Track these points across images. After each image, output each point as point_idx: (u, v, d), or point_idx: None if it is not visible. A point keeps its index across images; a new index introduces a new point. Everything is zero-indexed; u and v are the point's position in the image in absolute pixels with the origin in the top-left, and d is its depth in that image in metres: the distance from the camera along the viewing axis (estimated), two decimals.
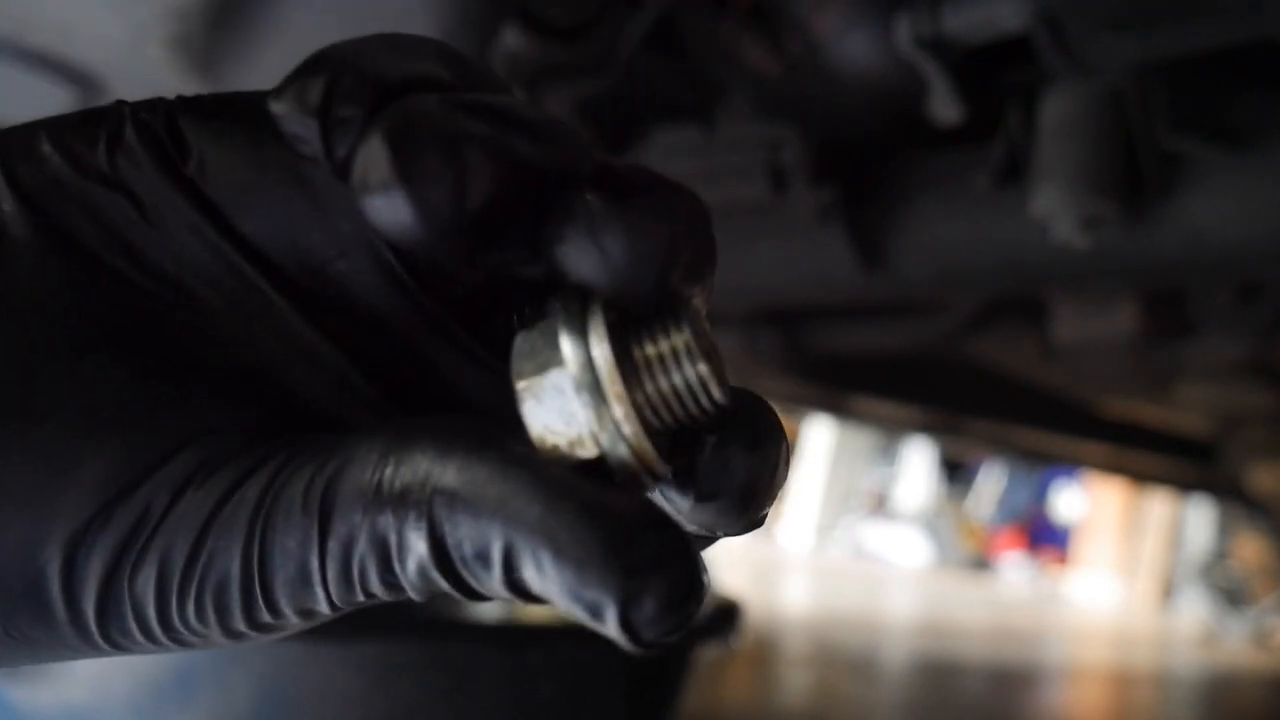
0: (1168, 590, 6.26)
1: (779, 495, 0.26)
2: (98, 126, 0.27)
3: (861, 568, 6.28)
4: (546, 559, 0.22)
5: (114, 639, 0.26)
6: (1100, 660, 4.16)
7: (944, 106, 1.12)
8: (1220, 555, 5.81)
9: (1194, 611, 5.62)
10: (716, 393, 0.24)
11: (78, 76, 1.05)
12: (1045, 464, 4.09)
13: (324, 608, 0.25)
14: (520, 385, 0.24)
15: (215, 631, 0.25)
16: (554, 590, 0.23)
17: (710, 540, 0.27)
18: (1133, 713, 3.10)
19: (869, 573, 6.06)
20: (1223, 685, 3.88)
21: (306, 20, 0.97)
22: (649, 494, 0.25)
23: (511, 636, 1.33)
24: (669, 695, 1.41)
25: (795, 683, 2.69)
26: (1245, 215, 1.06)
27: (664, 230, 0.23)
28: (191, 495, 0.25)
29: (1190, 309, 1.43)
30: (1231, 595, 5.31)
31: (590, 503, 0.23)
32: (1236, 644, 4.80)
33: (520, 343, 0.25)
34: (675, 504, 0.26)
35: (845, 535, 7.04)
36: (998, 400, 2.26)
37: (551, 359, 0.24)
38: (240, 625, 0.25)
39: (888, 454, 7.58)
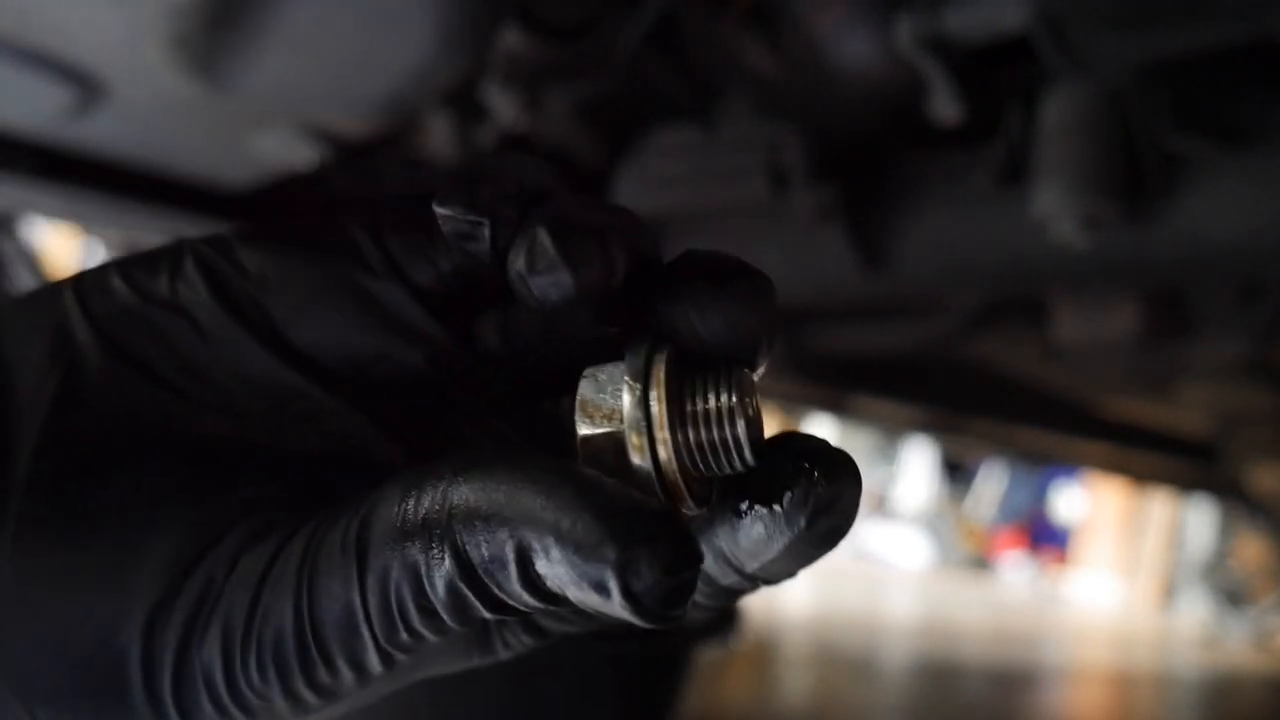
0: (1168, 591, 6.26)
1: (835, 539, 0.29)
2: (160, 260, 0.31)
3: (861, 568, 6.29)
4: (552, 543, 0.24)
5: (187, 712, 0.28)
6: (1100, 661, 4.16)
7: (944, 106, 1.12)
8: (1221, 555, 5.81)
9: (1194, 612, 5.62)
10: (748, 455, 0.27)
11: (78, 76, 1.05)
12: (1046, 464, 4.09)
13: (372, 655, 0.27)
14: (578, 405, 0.27)
15: (276, 693, 0.27)
16: (564, 575, 0.25)
17: (773, 583, 0.30)
18: (1133, 713, 3.10)
19: (869, 573, 6.06)
20: (1223, 686, 3.87)
21: (307, 20, 0.96)
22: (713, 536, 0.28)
23: None
24: (669, 695, 1.41)
25: (795, 683, 2.69)
26: (1246, 215, 1.06)
27: (755, 314, 0.28)
28: (246, 560, 0.28)
29: (1190, 309, 1.43)
30: (1232, 595, 5.31)
31: (586, 487, 0.25)
32: (1237, 644, 4.79)
33: (587, 372, 0.28)
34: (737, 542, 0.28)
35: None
36: (998, 400, 2.26)
37: (610, 387, 0.27)
38: (299, 684, 0.27)
39: (888, 454, 7.58)
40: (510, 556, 0.25)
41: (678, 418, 0.27)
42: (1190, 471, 2.68)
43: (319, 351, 0.30)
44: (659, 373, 0.27)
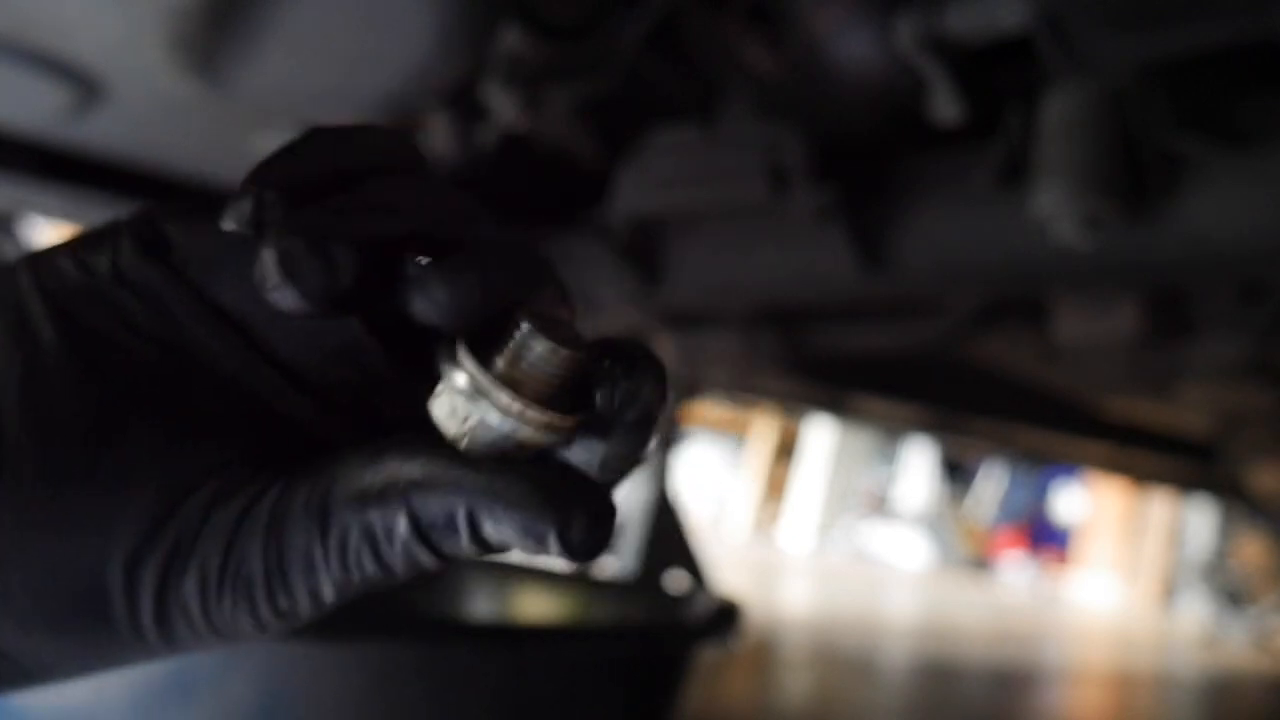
0: (1168, 591, 6.26)
1: (663, 416, 0.34)
2: (102, 239, 0.34)
3: (861, 569, 6.28)
4: (500, 510, 0.31)
5: (166, 637, 0.33)
6: (1101, 661, 4.16)
7: (944, 106, 1.12)
8: (1221, 555, 5.81)
9: (1194, 612, 5.62)
10: (567, 351, 0.31)
11: (78, 76, 1.05)
12: (1046, 464, 4.09)
13: (329, 590, 0.33)
14: (446, 432, 0.32)
15: (245, 619, 0.32)
16: (508, 533, 0.31)
17: (619, 478, 0.34)
18: (1133, 714, 3.10)
19: (869, 574, 6.06)
20: (1223, 686, 3.87)
21: (307, 20, 0.96)
22: (567, 455, 0.33)
23: (511, 636, 1.32)
24: (669, 695, 1.41)
25: (795, 684, 2.69)
26: (1247, 215, 1.06)
27: (473, 278, 0.32)
28: (218, 513, 0.32)
29: (1191, 309, 1.43)
30: (1232, 596, 5.32)
31: (522, 468, 0.31)
32: (1237, 644, 4.79)
33: (434, 400, 0.32)
34: (587, 455, 0.33)
35: (845, 536, 7.04)
36: (998, 400, 2.26)
37: (450, 396, 0.32)
38: (265, 613, 0.32)
39: (888, 454, 7.58)
40: (462, 522, 0.31)
41: (500, 373, 0.31)
42: (1190, 471, 2.68)
43: (239, 309, 0.34)
44: (462, 353, 0.31)
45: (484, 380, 0.31)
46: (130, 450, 0.32)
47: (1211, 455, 2.45)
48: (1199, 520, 6.15)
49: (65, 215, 1.53)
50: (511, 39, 1.17)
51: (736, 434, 7.51)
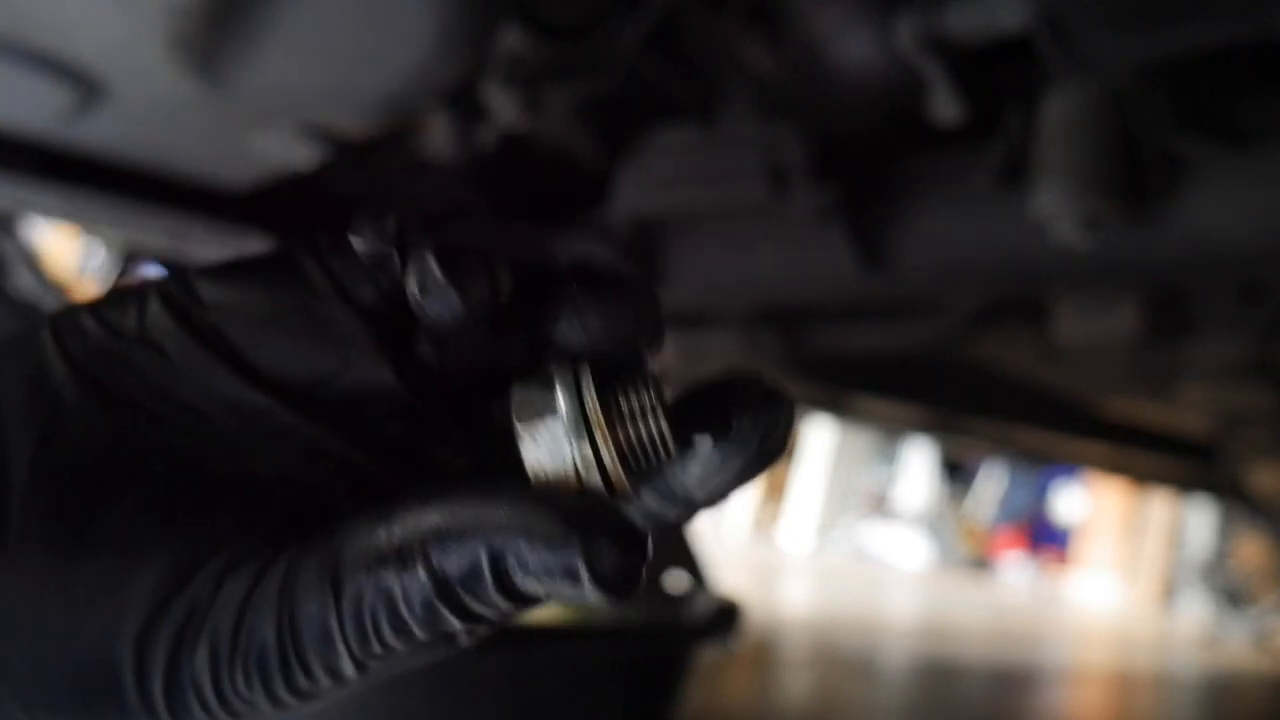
0: (1168, 591, 6.26)
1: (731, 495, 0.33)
2: (128, 299, 0.34)
3: (861, 569, 6.28)
4: (524, 547, 0.29)
5: (177, 715, 0.31)
6: (1100, 661, 4.16)
7: (944, 106, 1.12)
8: (1221, 555, 5.81)
9: (1194, 612, 5.62)
10: (671, 445, 0.31)
11: (78, 76, 1.05)
12: (1046, 464, 4.09)
13: (347, 665, 0.31)
14: (520, 428, 0.31)
15: (260, 697, 0.31)
16: (537, 571, 0.29)
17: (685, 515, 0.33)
18: (1133, 714, 3.10)
19: (869, 574, 6.06)
20: (1223, 686, 3.87)
21: (307, 20, 0.96)
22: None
23: (512, 636, 1.32)
24: (669, 695, 1.41)
25: (795, 684, 2.69)
26: (1246, 215, 1.06)
27: (629, 312, 0.32)
28: (229, 584, 0.31)
29: (1190, 309, 1.43)
30: (1232, 595, 5.31)
31: (543, 495, 0.30)
32: (1237, 644, 4.79)
33: (518, 394, 0.31)
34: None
35: (845, 536, 7.04)
36: (998, 400, 2.26)
37: (546, 408, 0.31)
38: (281, 690, 0.31)
39: (888, 454, 7.58)
40: (485, 565, 0.29)
41: (607, 428, 0.30)
42: (1190, 471, 2.68)
43: (279, 372, 0.33)
44: (586, 388, 0.31)
45: (594, 409, 0.30)
46: (142, 521, 0.31)
47: (1211, 455, 2.45)
48: (1199, 520, 6.15)
49: (65, 215, 1.53)
50: (511, 39, 1.17)
51: None
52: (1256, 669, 4.24)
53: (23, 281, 1.92)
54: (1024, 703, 3.01)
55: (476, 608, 0.30)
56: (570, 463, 0.30)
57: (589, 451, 0.30)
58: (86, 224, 1.74)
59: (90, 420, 0.32)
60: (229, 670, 0.31)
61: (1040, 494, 7.53)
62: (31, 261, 1.95)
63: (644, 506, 0.31)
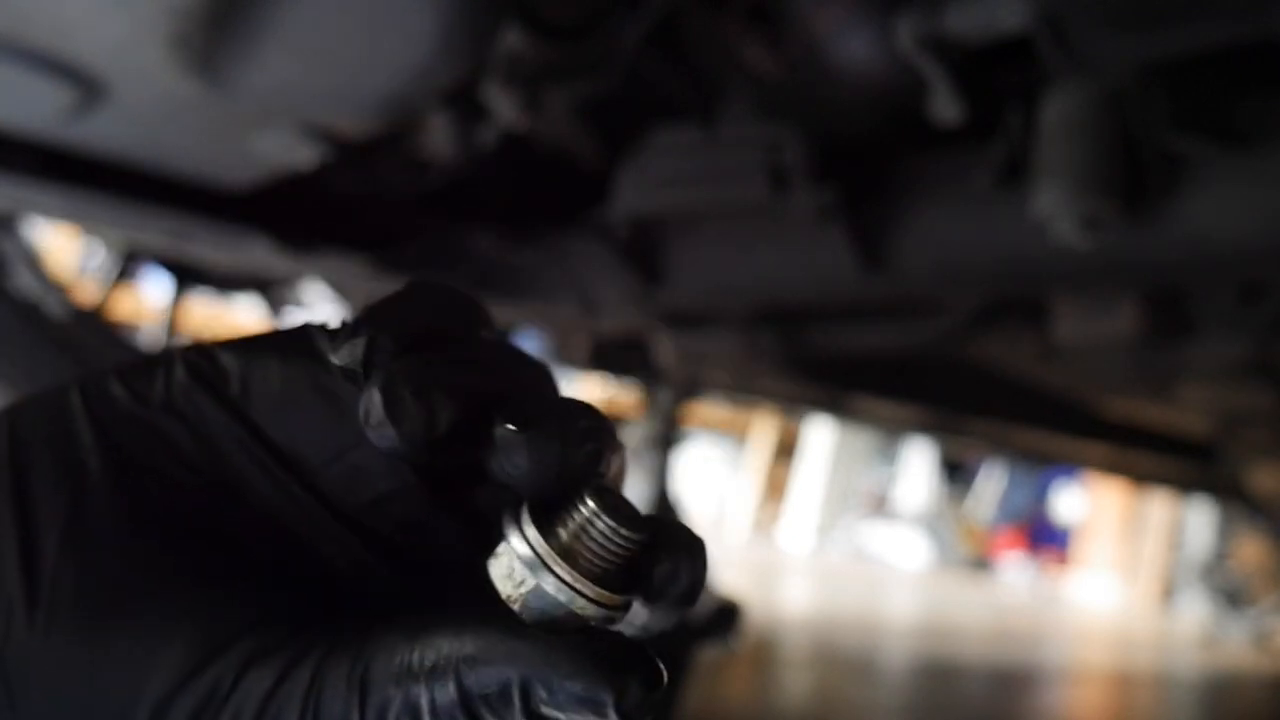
0: (1168, 591, 6.26)
1: (704, 585, 0.35)
2: (156, 368, 0.35)
3: (861, 569, 6.28)
4: (555, 682, 0.31)
5: None
6: (1100, 661, 4.16)
7: (944, 106, 1.12)
8: (1220, 556, 5.81)
9: (1194, 612, 5.62)
10: (627, 534, 0.32)
11: (78, 76, 1.05)
12: (1046, 464, 4.09)
13: None
14: (500, 590, 0.33)
15: None
16: (564, 702, 0.31)
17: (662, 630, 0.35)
18: (1133, 714, 3.10)
19: (869, 574, 6.06)
20: (1223, 686, 3.87)
21: (307, 20, 0.96)
22: (619, 621, 0.34)
23: None
24: (669, 695, 1.41)
25: (795, 683, 2.69)
26: (1246, 215, 1.06)
27: (555, 447, 0.33)
28: (254, 674, 0.32)
29: (1190, 309, 1.43)
30: (1231, 596, 5.31)
31: (576, 639, 0.32)
32: (1237, 644, 4.79)
33: (493, 559, 0.33)
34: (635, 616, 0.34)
35: (845, 536, 7.04)
36: (998, 400, 2.26)
37: (509, 559, 0.32)
38: None
39: (888, 454, 7.58)
40: (515, 692, 0.31)
41: (562, 546, 0.32)
42: (1190, 471, 2.68)
43: (295, 444, 0.34)
44: (526, 522, 0.32)
45: (545, 550, 0.32)
46: (168, 596, 0.32)
47: (1211, 455, 2.45)
48: (1199, 520, 6.15)
49: (65, 215, 1.53)
50: (511, 39, 1.17)
51: (736, 434, 7.51)
52: (1256, 669, 4.24)
53: (23, 281, 1.91)
54: (1024, 703, 3.01)
55: None
56: (551, 599, 0.32)
57: (555, 581, 0.32)
58: (86, 224, 1.74)
59: (117, 492, 0.33)
60: None
61: (1040, 494, 7.53)
62: (31, 261, 1.95)
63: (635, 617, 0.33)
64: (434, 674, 0.31)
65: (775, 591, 4.67)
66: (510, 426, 0.33)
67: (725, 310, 1.73)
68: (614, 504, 0.33)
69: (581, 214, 1.54)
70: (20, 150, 1.26)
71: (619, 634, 0.33)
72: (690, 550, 0.34)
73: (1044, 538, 7.34)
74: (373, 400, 0.32)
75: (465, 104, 1.26)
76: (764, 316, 1.74)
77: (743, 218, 1.38)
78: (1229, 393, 1.74)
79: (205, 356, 0.35)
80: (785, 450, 7.37)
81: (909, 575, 6.41)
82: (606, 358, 2.24)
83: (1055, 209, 1.06)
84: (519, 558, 0.32)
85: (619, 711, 0.31)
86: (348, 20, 0.97)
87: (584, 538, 0.32)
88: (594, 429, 0.34)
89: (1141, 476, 2.97)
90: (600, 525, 0.32)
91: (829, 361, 1.97)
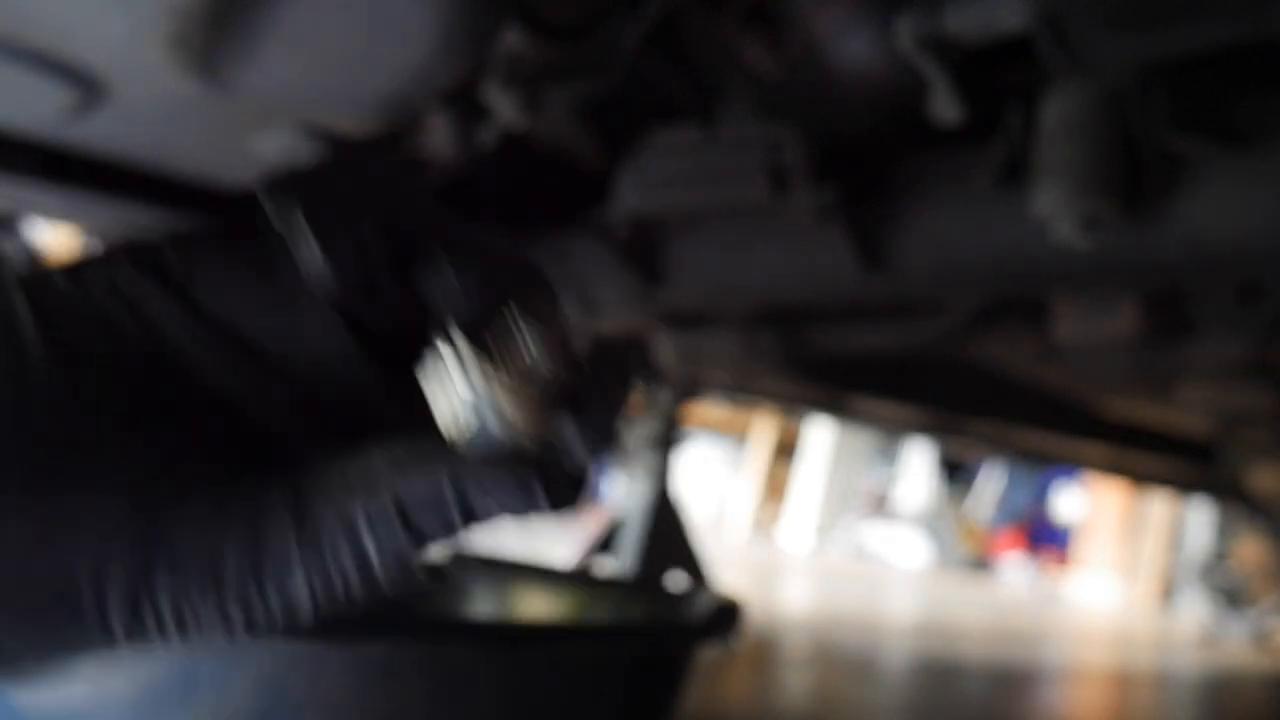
0: (1168, 591, 6.26)
1: (625, 416, 0.36)
2: (99, 261, 0.36)
3: (861, 568, 6.28)
4: (487, 476, 0.33)
5: (134, 634, 0.33)
6: (1100, 661, 4.16)
7: (944, 106, 1.12)
8: (1220, 556, 5.81)
9: (1194, 612, 5.62)
10: (554, 357, 0.34)
11: (78, 76, 1.05)
12: (1046, 464, 4.09)
13: (303, 593, 0.33)
14: (436, 414, 0.34)
15: (215, 619, 0.33)
16: (496, 496, 0.33)
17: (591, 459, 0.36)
18: (1133, 713, 3.10)
19: (869, 573, 6.06)
20: (1223, 686, 3.87)
21: (307, 20, 0.96)
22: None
23: (511, 636, 1.32)
24: (669, 695, 1.41)
25: (795, 683, 2.69)
26: (1246, 215, 1.06)
27: (481, 270, 0.35)
28: (192, 505, 0.33)
29: (1190, 309, 1.43)
30: (1231, 596, 5.31)
31: (501, 440, 0.33)
32: (1236, 645, 4.79)
33: (425, 373, 0.35)
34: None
35: (845, 536, 7.04)
36: (998, 400, 2.26)
37: (443, 376, 0.34)
38: (235, 613, 0.33)
39: (888, 454, 7.58)
40: (450, 497, 0.33)
41: (495, 368, 0.34)
42: (1190, 471, 2.68)
43: (236, 319, 0.36)
44: (462, 343, 0.34)
45: (476, 371, 0.34)
46: (109, 455, 0.34)
47: (1211, 455, 2.45)
48: (1199, 520, 6.15)
49: (66, 215, 1.53)
50: (511, 39, 1.17)
51: (736, 434, 7.51)
52: (1256, 669, 4.24)
53: None
54: (1024, 703, 3.01)
55: (430, 529, 0.33)
56: (480, 416, 0.34)
57: (486, 401, 0.34)
58: (86, 224, 1.74)
59: (57, 370, 0.34)
60: (186, 596, 0.33)
61: (1040, 494, 7.53)
62: (32, 261, 1.95)
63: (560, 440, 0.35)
64: (368, 489, 0.32)
65: (775, 591, 4.68)
66: (444, 258, 0.35)
67: (725, 310, 1.73)
68: (542, 331, 0.34)
69: (581, 214, 1.54)
70: (20, 150, 1.26)
71: (546, 442, 0.35)
72: (617, 375, 0.35)
73: (1044, 538, 7.34)
74: (299, 228, 0.33)
75: (465, 104, 1.26)
76: (764, 316, 1.74)
77: (742, 218, 1.38)
78: (1229, 393, 1.74)
79: (149, 249, 0.36)
80: (785, 450, 7.37)
81: (909, 575, 6.41)
82: None
83: (1055, 209, 1.06)
84: (454, 382, 0.34)
85: (548, 493, 0.33)
86: (348, 20, 0.97)
87: (512, 360, 0.34)
88: (516, 253, 0.36)
89: (1141, 476, 2.97)
90: (528, 349, 0.34)
91: (829, 361, 1.97)
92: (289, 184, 0.35)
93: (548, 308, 0.36)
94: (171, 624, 0.33)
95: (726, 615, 1.49)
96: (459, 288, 0.34)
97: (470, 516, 0.33)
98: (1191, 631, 5.19)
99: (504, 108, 1.22)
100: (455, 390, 0.34)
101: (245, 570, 0.33)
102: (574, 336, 0.36)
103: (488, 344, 0.34)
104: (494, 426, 0.34)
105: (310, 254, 0.34)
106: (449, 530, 0.33)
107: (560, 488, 0.33)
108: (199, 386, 0.35)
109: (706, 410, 5.94)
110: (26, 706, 1.12)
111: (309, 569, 0.33)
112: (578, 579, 1.83)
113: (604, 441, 0.36)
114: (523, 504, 0.33)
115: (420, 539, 0.33)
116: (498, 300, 0.35)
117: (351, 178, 0.36)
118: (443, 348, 0.34)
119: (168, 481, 0.34)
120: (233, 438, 0.35)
